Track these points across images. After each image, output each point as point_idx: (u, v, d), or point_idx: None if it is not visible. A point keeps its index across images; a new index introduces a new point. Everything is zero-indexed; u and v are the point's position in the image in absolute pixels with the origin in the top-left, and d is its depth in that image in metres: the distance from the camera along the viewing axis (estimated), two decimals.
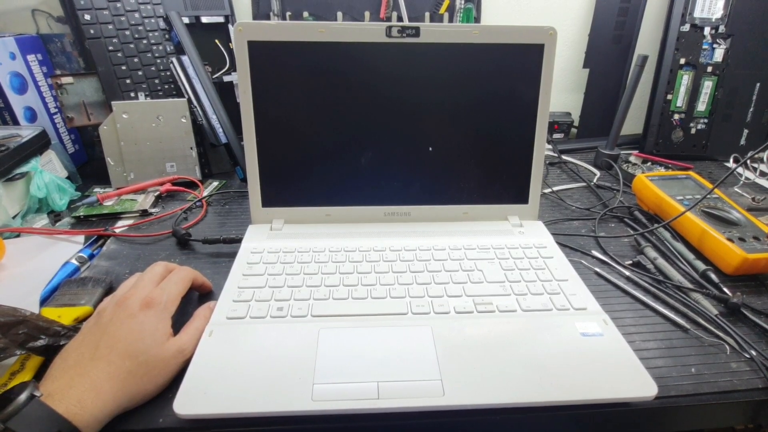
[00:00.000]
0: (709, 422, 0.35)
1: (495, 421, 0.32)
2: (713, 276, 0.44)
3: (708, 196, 0.51)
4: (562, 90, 0.86)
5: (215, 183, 0.65)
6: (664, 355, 0.36)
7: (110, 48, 0.63)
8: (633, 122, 0.82)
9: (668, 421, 0.34)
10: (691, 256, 0.47)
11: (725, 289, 0.43)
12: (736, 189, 0.62)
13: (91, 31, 0.62)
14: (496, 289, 0.41)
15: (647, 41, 0.80)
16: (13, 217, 0.54)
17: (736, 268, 0.44)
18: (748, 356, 0.36)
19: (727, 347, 0.37)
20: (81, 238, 0.52)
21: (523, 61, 0.47)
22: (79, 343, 0.32)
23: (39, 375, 0.33)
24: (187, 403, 0.30)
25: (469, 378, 0.32)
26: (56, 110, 0.68)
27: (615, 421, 0.33)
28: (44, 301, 0.41)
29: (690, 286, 0.43)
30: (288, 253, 0.45)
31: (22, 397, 0.26)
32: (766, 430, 0.33)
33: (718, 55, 0.72)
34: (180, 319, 0.36)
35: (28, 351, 0.32)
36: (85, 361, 0.30)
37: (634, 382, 0.32)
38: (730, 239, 0.45)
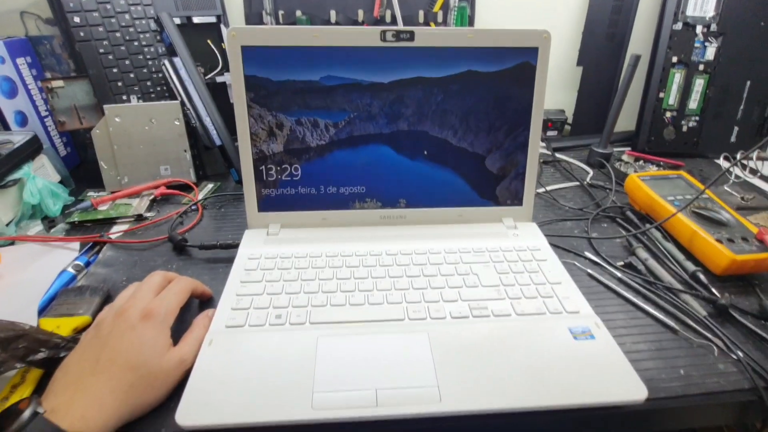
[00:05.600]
0: (697, 422, 0.36)
1: (490, 426, 0.32)
2: (702, 277, 0.45)
3: (699, 196, 0.52)
4: (556, 88, 0.86)
5: (210, 185, 0.65)
6: (654, 356, 0.37)
7: (101, 51, 0.63)
8: (627, 119, 0.83)
9: (657, 422, 0.35)
10: (681, 256, 0.48)
11: (714, 290, 0.44)
12: (726, 188, 0.63)
13: (81, 34, 0.61)
14: (491, 293, 0.42)
15: (640, 39, 0.80)
16: (7, 225, 0.53)
17: (724, 269, 0.45)
18: (735, 357, 0.37)
19: (715, 348, 0.38)
20: (76, 245, 0.52)
21: (517, 64, 0.48)
22: (79, 357, 0.32)
23: (39, 387, 0.34)
24: (188, 414, 0.30)
25: (465, 384, 0.33)
26: (47, 113, 0.67)
27: (606, 422, 0.34)
28: (42, 311, 0.42)
29: (680, 287, 0.44)
30: (285, 259, 0.46)
31: (26, 413, 0.26)
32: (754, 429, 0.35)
33: (710, 53, 0.72)
34: (179, 327, 0.36)
35: (29, 364, 0.33)
36: (86, 376, 0.30)
37: (625, 386, 0.33)
38: (719, 240, 0.46)
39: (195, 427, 0.30)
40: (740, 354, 0.37)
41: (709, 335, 0.39)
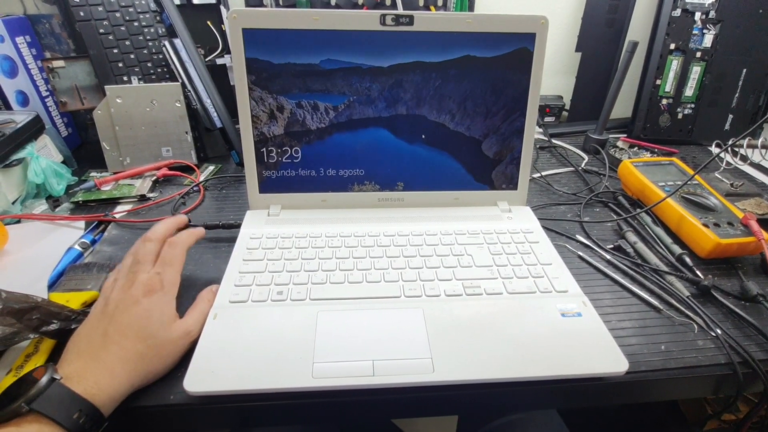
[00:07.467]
0: (675, 394, 0.38)
1: (480, 395, 0.35)
2: (688, 260, 0.47)
3: (689, 182, 0.54)
4: (555, 73, 0.87)
5: (211, 167, 0.66)
6: (637, 333, 0.39)
7: (101, 31, 0.63)
8: (624, 105, 0.84)
9: (638, 393, 0.37)
10: (668, 240, 0.50)
11: (698, 272, 0.46)
12: (717, 174, 0.64)
13: (81, 13, 0.61)
14: (484, 273, 0.43)
15: (639, 25, 0.80)
16: (13, 203, 0.55)
17: (709, 252, 0.47)
18: (714, 335, 0.39)
19: (696, 326, 0.40)
20: (81, 224, 0.53)
21: (514, 49, 0.48)
22: (89, 330, 0.33)
23: (52, 357, 0.35)
24: (196, 381, 0.32)
25: (457, 356, 0.34)
26: (48, 93, 0.67)
27: (590, 393, 0.36)
28: (51, 286, 0.43)
29: (666, 269, 0.46)
30: (286, 239, 0.47)
31: (44, 380, 0.28)
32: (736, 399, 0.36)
33: (708, 40, 0.73)
34: (184, 302, 0.38)
35: (42, 334, 0.34)
36: (96, 347, 0.31)
37: (607, 359, 0.35)
38: (705, 225, 0.48)
39: (202, 393, 0.32)
40: (719, 331, 0.39)
41: (690, 314, 0.41)
